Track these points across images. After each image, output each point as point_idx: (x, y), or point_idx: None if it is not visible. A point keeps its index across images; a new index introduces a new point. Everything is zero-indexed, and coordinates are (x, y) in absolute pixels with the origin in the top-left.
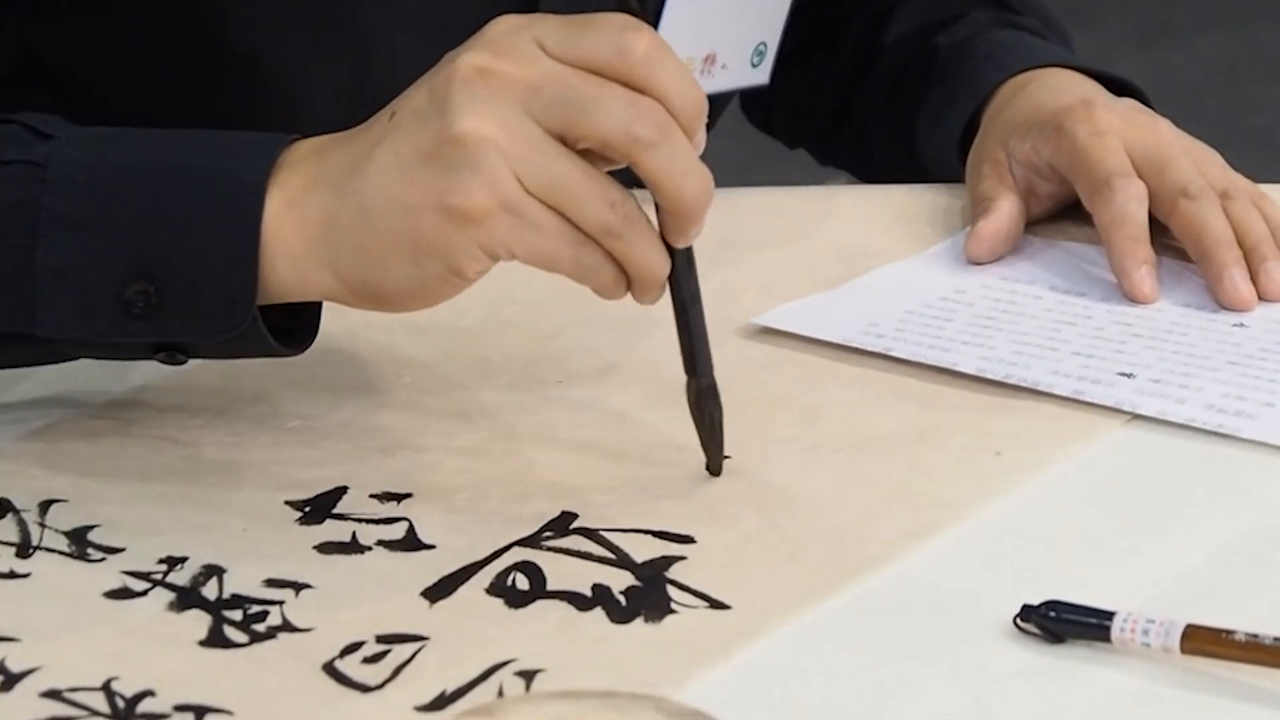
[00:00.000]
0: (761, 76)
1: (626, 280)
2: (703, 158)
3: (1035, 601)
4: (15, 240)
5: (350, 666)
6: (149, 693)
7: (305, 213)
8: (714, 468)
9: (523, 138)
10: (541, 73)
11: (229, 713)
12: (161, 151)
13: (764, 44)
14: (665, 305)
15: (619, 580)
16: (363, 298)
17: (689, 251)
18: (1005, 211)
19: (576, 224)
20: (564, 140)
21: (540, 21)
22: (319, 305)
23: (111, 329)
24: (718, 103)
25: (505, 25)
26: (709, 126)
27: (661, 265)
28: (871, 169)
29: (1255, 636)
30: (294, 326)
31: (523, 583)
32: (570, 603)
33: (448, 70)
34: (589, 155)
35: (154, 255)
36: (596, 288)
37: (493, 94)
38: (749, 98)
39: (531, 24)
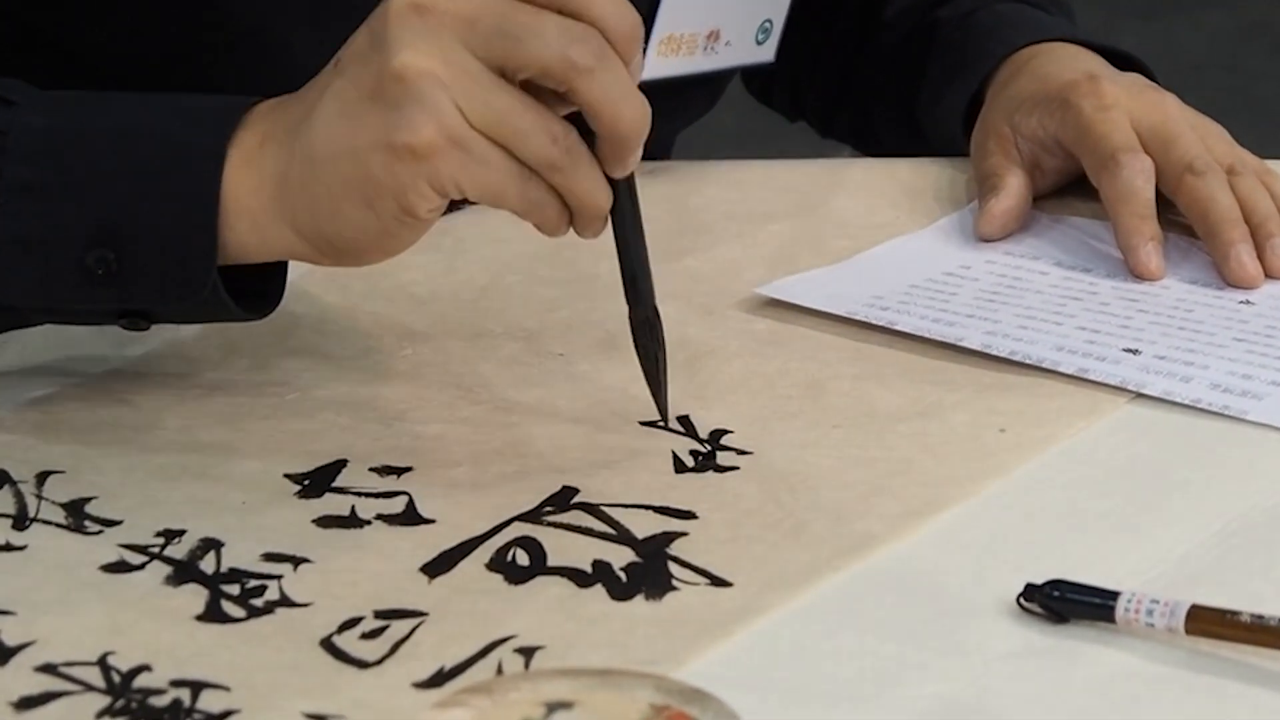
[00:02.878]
0: (767, 54)
1: (569, 215)
2: (705, 130)
3: (1039, 581)
4: None
5: (348, 642)
6: (145, 667)
7: (261, 170)
8: (659, 405)
9: (463, 71)
10: (477, 5)
11: (225, 688)
12: (123, 117)
13: (769, 21)
14: (676, 276)
15: (620, 556)
16: (324, 252)
17: (630, 181)
18: (1014, 189)
19: (520, 158)
20: (503, 73)
21: None
22: (284, 268)
23: (73, 295)
24: (720, 78)
25: None
26: (710, 104)
27: (603, 198)
28: (873, 142)
29: (1260, 618)
30: (262, 290)
31: (523, 558)
32: (570, 579)
33: (383, 9)
34: (530, 90)
35: (114, 222)
36: (540, 223)
37: (429, 28)
38: (749, 70)
39: None
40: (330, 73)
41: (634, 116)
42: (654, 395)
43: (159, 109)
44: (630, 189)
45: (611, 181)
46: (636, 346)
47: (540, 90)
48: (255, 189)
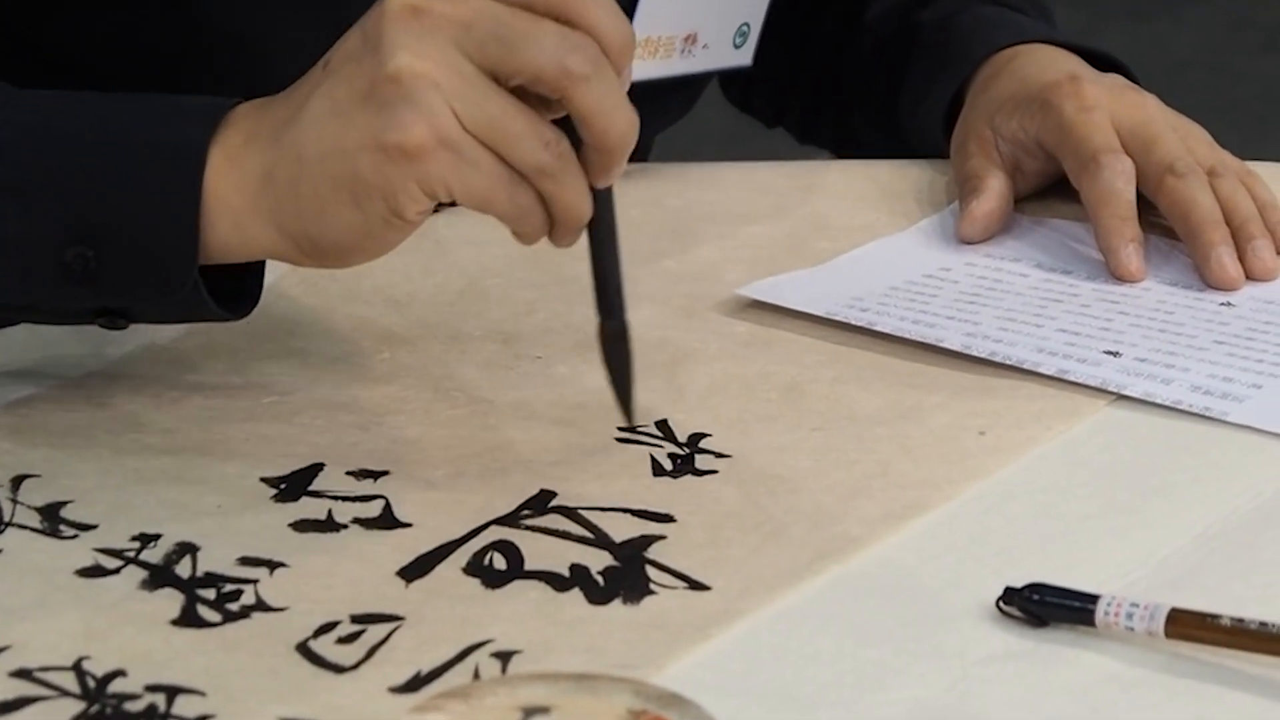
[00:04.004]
0: (744, 58)
1: (550, 223)
2: (686, 130)
3: (1018, 584)
4: None
5: (324, 647)
6: (120, 672)
7: (244, 168)
8: (626, 414)
9: (457, 74)
10: (473, 9)
11: (201, 693)
12: (104, 115)
13: (747, 24)
14: (655, 278)
15: (597, 560)
16: (306, 252)
17: (609, 191)
18: (996, 191)
19: (511, 163)
20: (496, 77)
21: None
22: (261, 269)
23: (51, 294)
24: (697, 82)
25: None
26: (688, 107)
27: (587, 207)
28: (853, 146)
29: (1240, 621)
30: (238, 291)
31: (500, 562)
32: (548, 583)
33: (379, 10)
34: (519, 96)
35: (94, 220)
36: (523, 230)
37: (425, 31)
38: (727, 76)
39: None
40: (319, 72)
41: (624, 127)
42: (622, 404)
43: (140, 107)
44: (609, 200)
45: (592, 191)
46: (605, 357)
47: (529, 96)
48: (238, 187)
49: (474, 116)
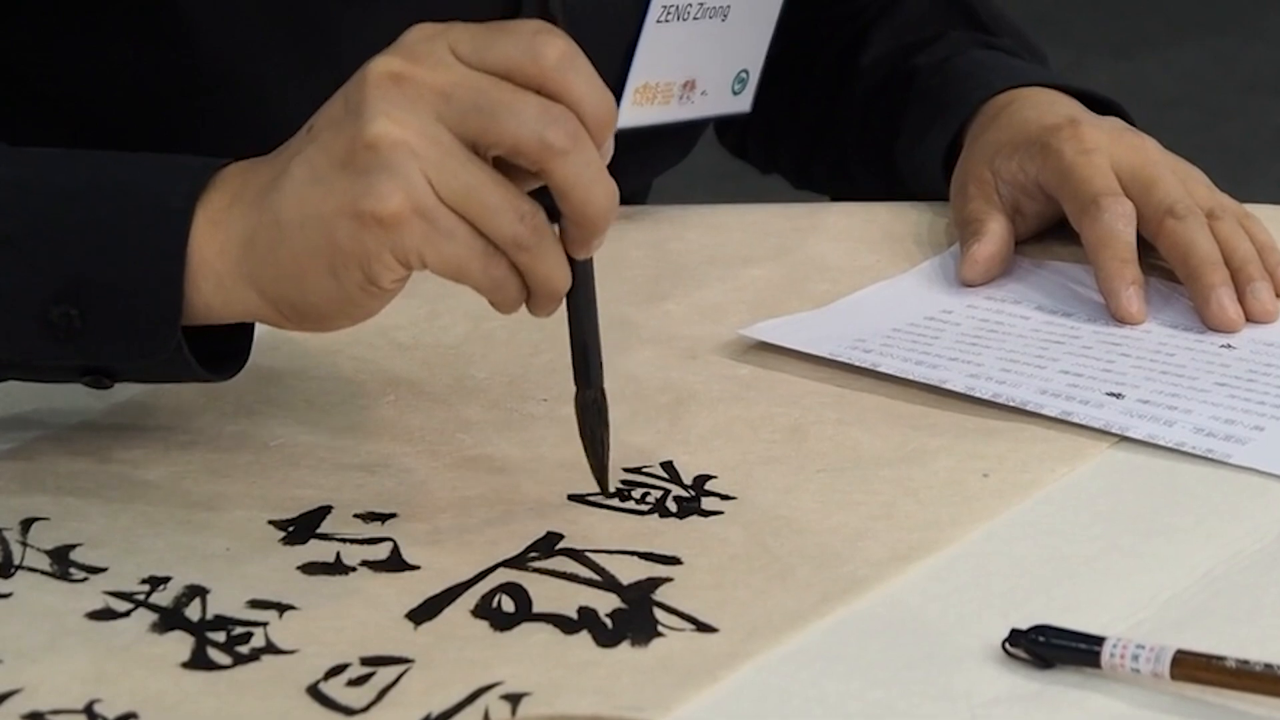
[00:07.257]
0: (743, 104)
1: (526, 293)
2: (681, 171)
3: (1024, 626)
4: None
5: (334, 689)
6: (131, 715)
7: (228, 231)
8: (600, 483)
9: (436, 143)
10: (454, 79)
11: None
12: (92, 173)
13: (746, 71)
14: (657, 321)
15: (605, 602)
16: (287, 315)
17: (588, 261)
18: (996, 234)
19: (486, 235)
20: (475, 148)
21: (455, 28)
22: (250, 329)
23: (35, 351)
24: (695, 128)
25: (420, 32)
26: (685, 152)
27: (565, 279)
28: (849, 190)
29: (1245, 663)
30: (227, 351)
31: (508, 605)
32: (556, 625)
33: (361, 76)
34: (498, 167)
35: (80, 278)
36: (498, 301)
37: (406, 99)
38: (723, 123)
39: (446, 30)
40: (303, 138)
41: (603, 201)
42: (596, 472)
43: (127, 167)
44: (588, 271)
45: (571, 262)
46: (581, 426)
47: (507, 167)
48: (221, 250)
49: (450, 187)
